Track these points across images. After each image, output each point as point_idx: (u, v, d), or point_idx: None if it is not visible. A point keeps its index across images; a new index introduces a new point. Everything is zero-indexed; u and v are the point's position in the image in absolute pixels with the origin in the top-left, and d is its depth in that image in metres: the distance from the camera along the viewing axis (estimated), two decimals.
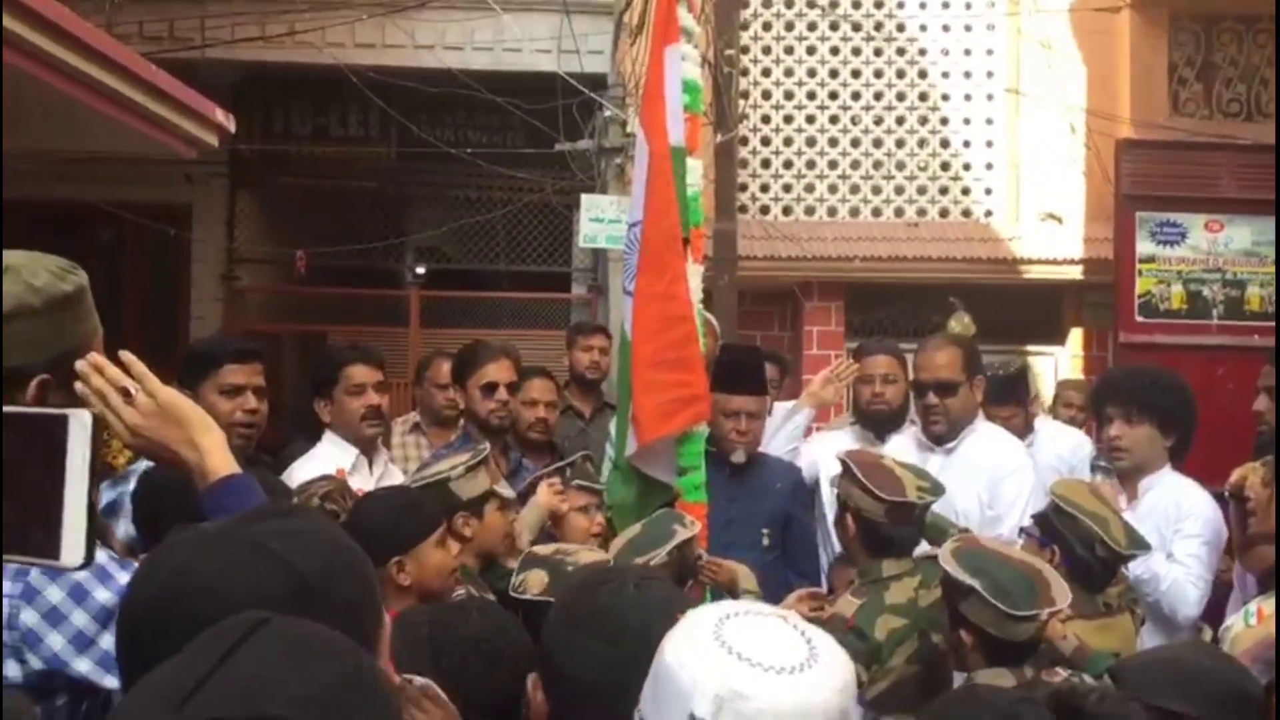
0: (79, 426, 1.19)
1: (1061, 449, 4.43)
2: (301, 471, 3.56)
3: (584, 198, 7.02)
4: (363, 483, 3.68)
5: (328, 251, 8.17)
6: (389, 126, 8.17)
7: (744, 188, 8.23)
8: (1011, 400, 4.49)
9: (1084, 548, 2.94)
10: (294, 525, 1.13)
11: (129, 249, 8.23)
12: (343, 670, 0.89)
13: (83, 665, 1.61)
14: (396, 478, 3.89)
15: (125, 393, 1.51)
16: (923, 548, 3.20)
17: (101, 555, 1.63)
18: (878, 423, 4.31)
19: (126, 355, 1.58)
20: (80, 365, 1.51)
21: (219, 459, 1.56)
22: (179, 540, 1.12)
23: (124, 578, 1.59)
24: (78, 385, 1.50)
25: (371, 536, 2.63)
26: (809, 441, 4.45)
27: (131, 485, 2.56)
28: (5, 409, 1.20)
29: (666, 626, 1.29)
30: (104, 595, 1.62)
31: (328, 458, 3.71)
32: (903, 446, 4.11)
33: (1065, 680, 2.47)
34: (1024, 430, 4.45)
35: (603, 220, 7.01)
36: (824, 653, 1.22)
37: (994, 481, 3.88)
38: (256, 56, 7.28)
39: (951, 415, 3.93)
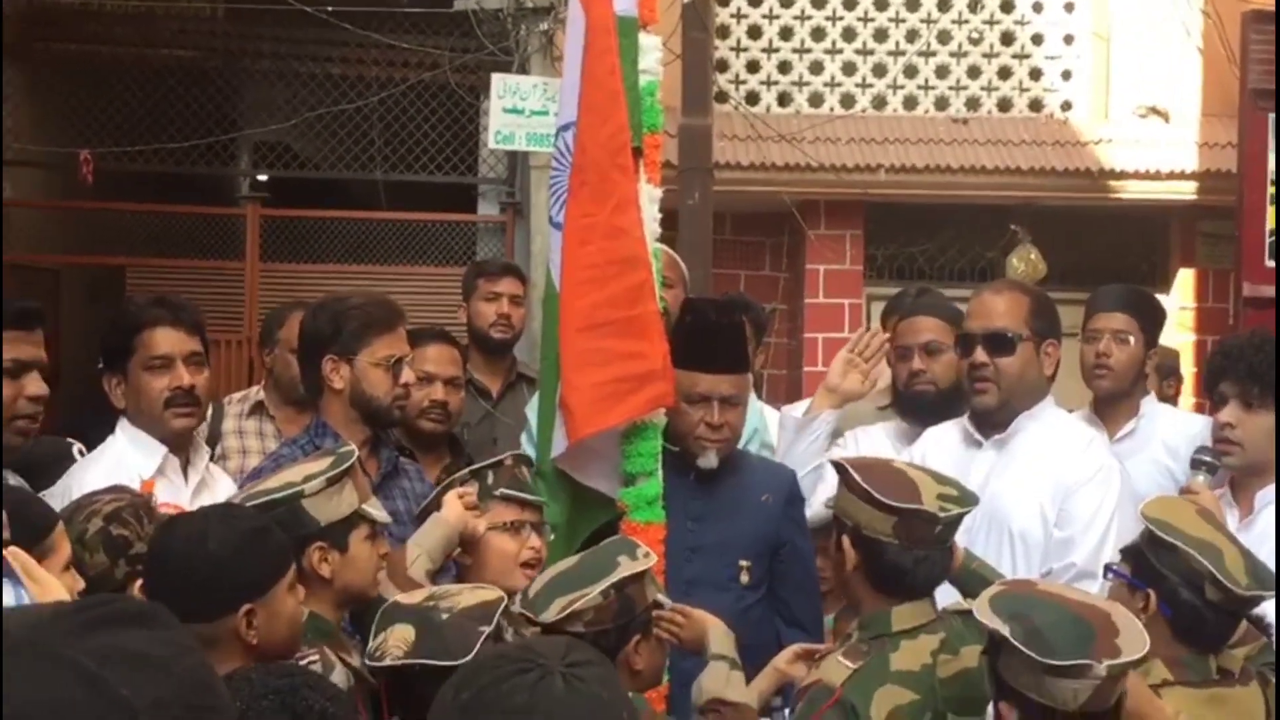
0: None
1: (1173, 439, 4.47)
2: (88, 478, 3.53)
3: (495, 78, 7.00)
4: (175, 495, 3.68)
5: (125, 151, 8.06)
6: None
7: (723, 66, 8.20)
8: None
9: (1190, 590, 2.97)
10: (129, 642, 1.13)
11: None
12: None
13: None
14: (224, 486, 3.88)
15: None
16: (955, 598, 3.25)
17: None
18: (922, 410, 4.36)
19: None
20: None
21: None
22: None
23: None
24: None
25: (217, 576, 2.66)
26: (834, 450, 4.39)
27: None
28: None
29: None
30: None
31: (121, 459, 3.68)
32: (943, 439, 4.16)
33: None
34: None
35: (522, 111, 7.00)
36: None
37: (1064, 490, 3.93)
38: None
39: (1005, 381, 3.98)
